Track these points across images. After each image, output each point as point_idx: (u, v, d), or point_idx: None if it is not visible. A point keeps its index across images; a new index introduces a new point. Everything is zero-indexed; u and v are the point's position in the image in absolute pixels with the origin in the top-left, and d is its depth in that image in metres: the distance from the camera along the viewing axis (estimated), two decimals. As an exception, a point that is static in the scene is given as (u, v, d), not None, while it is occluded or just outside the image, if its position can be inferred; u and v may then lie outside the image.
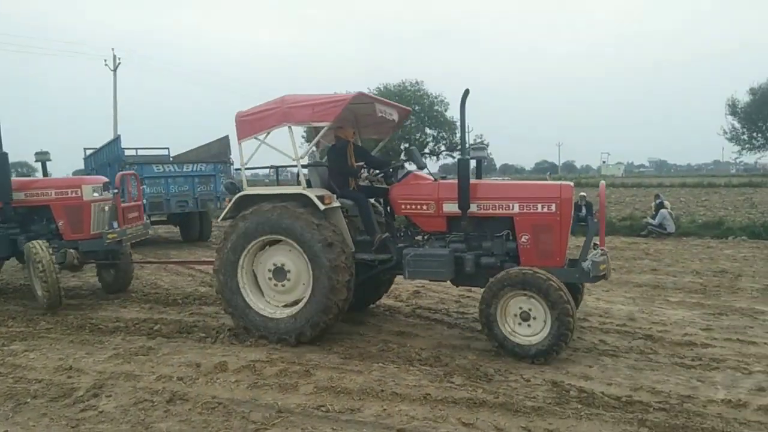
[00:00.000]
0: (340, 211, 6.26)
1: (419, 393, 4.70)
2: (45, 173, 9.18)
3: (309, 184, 6.61)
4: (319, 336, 5.99)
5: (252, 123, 6.31)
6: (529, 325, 5.44)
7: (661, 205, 15.41)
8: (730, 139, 67.38)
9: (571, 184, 5.93)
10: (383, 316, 7.34)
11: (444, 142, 47.87)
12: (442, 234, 6.21)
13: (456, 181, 6.04)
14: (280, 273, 6.18)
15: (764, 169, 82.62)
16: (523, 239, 5.82)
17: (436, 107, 46.88)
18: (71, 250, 7.93)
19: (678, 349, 5.88)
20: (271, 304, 6.26)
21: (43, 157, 9.04)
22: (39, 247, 7.41)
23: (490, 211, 5.96)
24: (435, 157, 49.15)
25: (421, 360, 5.53)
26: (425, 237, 6.39)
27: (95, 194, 8.14)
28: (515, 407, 4.42)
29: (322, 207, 5.95)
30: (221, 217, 6.67)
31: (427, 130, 47.05)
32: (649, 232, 15.13)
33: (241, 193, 6.40)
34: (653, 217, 15.48)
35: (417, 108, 46.02)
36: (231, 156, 15.08)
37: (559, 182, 5.97)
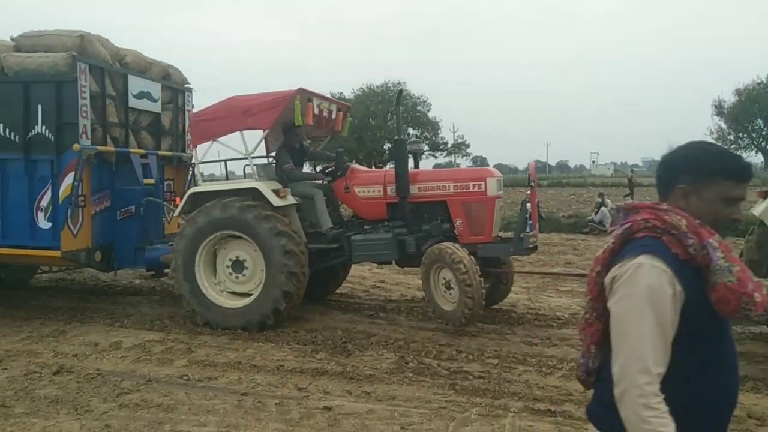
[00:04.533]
0: None
1: (275, 365, 5.37)
2: (417, 166, 7.79)
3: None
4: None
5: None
6: None
7: (602, 204, 16.11)
8: (717, 140, 67.92)
9: None
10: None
11: (427, 141, 48.63)
12: None
13: None
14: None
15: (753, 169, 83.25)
16: None
17: (419, 107, 47.68)
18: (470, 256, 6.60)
19: (536, 330, 6.52)
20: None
21: (416, 147, 7.85)
22: (455, 249, 6.06)
23: None
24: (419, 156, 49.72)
25: (298, 340, 6.18)
26: None
27: (498, 190, 6.89)
28: (351, 375, 5.09)
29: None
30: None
31: (410, 131, 47.76)
32: (591, 229, 15.81)
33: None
34: (595, 215, 16.16)
35: (401, 108, 46.69)
36: None
37: None
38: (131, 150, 7.83)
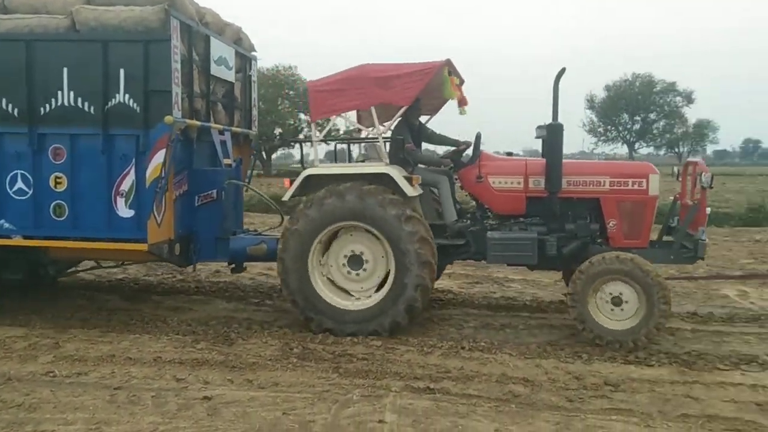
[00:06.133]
0: None
1: (152, 357, 5.16)
2: (544, 155, 6.52)
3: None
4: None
5: None
6: None
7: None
8: (589, 132, 73.00)
9: None
10: (166, 292, 7.70)
11: (318, 128, 48.38)
12: None
13: None
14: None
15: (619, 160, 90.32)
16: None
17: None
18: None
19: (432, 310, 6.72)
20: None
21: (543, 133, 6.54)
22: (649, 265, 5.39)
23: None
24: (310, 143, 49.43)
25: (178, 330, 5.97)
26: None
27: (658, 189, 6.03)
28: (233, 364, 5.00)
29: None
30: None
31: (302, 116, 47.29)
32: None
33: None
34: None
35: (291, 93, 46.18)
36: None
37: None
38: (212, 125, 6.82)
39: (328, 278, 5.99)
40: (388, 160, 6.03)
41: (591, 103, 71.35)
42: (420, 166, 6.43)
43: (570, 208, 6.06)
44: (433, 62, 5.94)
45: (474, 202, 6.64)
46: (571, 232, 5.99)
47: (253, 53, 7.96)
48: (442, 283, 8.18)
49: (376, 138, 6.17)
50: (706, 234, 5.84)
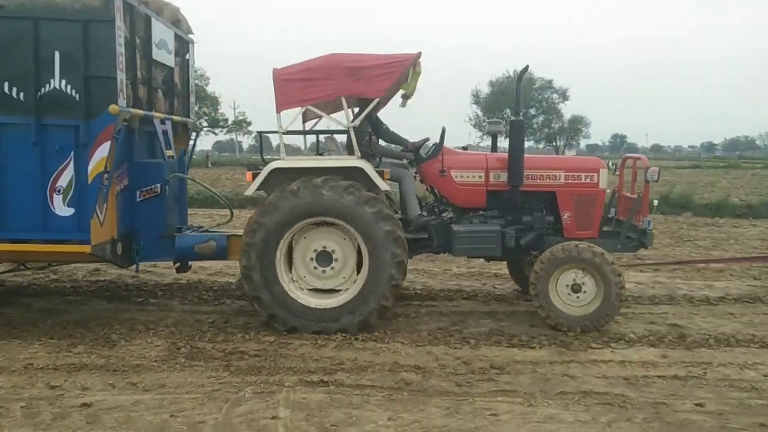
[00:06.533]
0: None
1: (22, 364, 4.78)
2: (495, 149, 6.78)
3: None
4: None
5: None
6: None
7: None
8: (474, 126, 75.86)
9: None
10: (38, 294, 7.13)
11: (206, 117, 46.87)
12: None
13: None
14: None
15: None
16: None
17: (196, 81, 45.54)
18: None
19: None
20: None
21: (496, 128, 6.61)
22: (603, 250, 5.65)
23: None
24: (194, 133, 47.88)
25: (51, 334, 5.54)
26: None
27: (606, 183, 6.34)
28: (115, 367, 4.74)
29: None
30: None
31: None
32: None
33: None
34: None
35: None
36: None
37: None
38: (154, 114, 6.20)
39: (288, 251, 5.74)
40: (359, 153, 5.82)
41: (476, 98, 74.14)
42: (385, 159, 6.34)
43: (527, 201, 6.23)
44: (405, 54, 5.87)
45: (433, 196, 6.68)
46: (528, 224, 6.20)
47: (191, 36, 7.52)
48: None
49: (345, 130, 5.95)
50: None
